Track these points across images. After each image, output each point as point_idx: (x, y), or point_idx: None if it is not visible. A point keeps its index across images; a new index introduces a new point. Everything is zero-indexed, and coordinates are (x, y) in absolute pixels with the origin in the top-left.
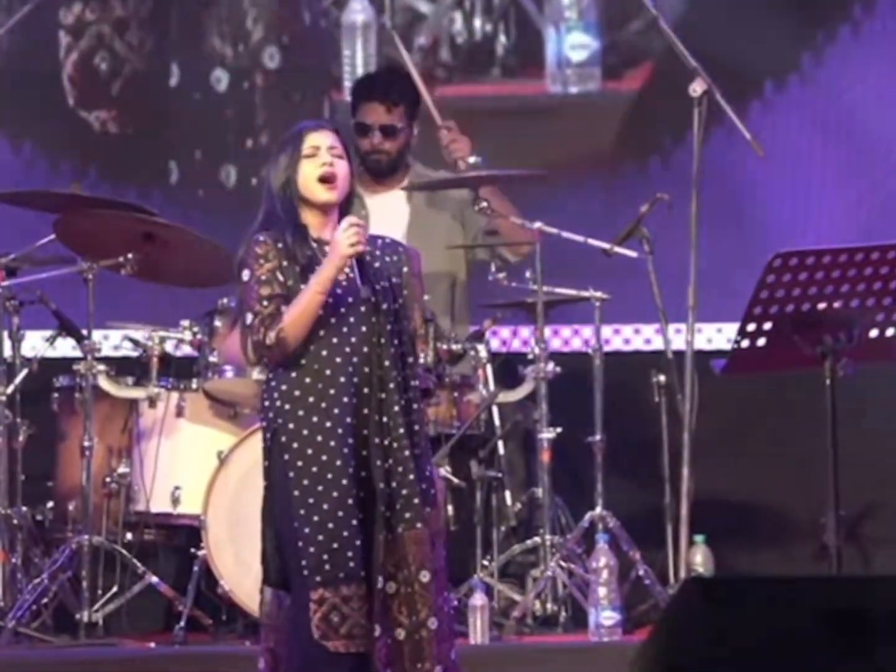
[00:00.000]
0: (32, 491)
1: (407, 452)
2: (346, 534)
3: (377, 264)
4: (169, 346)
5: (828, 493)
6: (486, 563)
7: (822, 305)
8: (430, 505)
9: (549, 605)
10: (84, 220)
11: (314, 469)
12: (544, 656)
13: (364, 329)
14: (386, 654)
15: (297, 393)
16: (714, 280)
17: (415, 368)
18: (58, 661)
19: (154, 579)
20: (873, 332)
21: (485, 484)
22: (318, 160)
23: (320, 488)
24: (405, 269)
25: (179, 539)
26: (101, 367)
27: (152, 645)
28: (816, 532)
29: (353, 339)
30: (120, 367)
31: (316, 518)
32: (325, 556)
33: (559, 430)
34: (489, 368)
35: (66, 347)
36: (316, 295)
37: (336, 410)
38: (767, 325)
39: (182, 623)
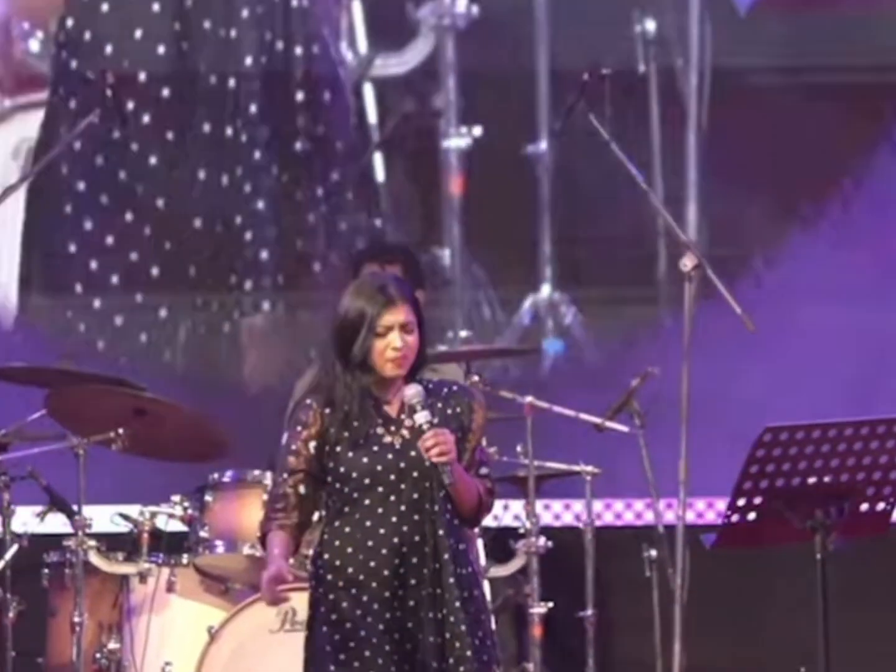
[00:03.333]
0: (23, 667)
1: (464, 627)
2: None
3: (436, 419)
4: (160, 522)
5: (819, 669)
6: None
7: (812, 480)
8: (488, 670)
9: None
10: (74, 395)
11: (345, 630)
12: None
13: (415, 496)
14: None
15: (336, 543)
16: (705, 454)
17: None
18: None
19: None
20: (864, 507)
21: None
22: (389, 342)
23: (352, 644)
24: (468, 420)
25: None
26: (92, 542)
27: None
28: None
29: (403, 508)
30: (111, 543)
31: None
32: None
33: (550, 604)
34: (480, 543)
35: (56, 523)
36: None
37: (373, 564)
38: (757, 500)
39: None
